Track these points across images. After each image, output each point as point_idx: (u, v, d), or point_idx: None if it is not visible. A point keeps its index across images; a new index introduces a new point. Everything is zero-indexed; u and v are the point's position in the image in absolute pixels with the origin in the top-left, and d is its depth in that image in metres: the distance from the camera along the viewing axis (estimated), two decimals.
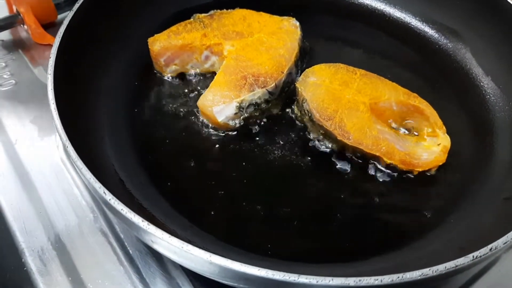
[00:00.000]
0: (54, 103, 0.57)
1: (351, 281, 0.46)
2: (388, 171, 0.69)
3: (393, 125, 0.73)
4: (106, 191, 0.51)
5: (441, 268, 0.48)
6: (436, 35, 0.87)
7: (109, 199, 0.50)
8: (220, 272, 0.49)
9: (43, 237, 0.68)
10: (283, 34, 0.79)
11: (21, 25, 0.92)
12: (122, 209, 0.50)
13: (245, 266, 0.46)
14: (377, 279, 0.46)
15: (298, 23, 0.81)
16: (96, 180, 0.51)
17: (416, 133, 0.73)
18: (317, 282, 0.46)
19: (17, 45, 0.93)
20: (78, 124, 0.63)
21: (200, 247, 0.48)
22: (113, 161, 0.66)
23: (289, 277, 0.46)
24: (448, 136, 0.70)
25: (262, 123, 0.74)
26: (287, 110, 0.76)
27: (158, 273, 0.65)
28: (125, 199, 0.58)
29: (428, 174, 0.69)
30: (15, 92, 0.85)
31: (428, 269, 0.47)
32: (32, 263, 0.66)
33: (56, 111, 0.57)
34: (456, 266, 0.48)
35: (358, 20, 0.90)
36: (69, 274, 0.65)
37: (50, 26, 0.93)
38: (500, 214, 0.63)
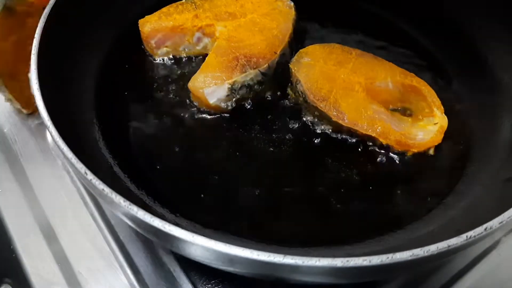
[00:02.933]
0: (37, 83, 0.56)
1: (338, 261, 0.44)
2: (383, 151, 0.67)
3: (390, 105, 0.71)
4: (88, 171, 0.49)
5: (432, 248, 0.46)
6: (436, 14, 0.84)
7: (90, 180, 0.49)
8: (204, 254, 0.47)
9: (32, 222, 0.67)
10: (277, 15, 0.77)
11: None
12: (103, 189, 0.48)
13: (229, 247, 0.44)
14: (366, 260, 0.44)
15: (292, 4, 0.79)
16: (78, 160, 0.50)
17: (411, 114, 0.70)
18: (303, 262, 0.44)
19: None
20: (63, 106, 0.61)
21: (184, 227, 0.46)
22: (101, 145, 0.65)
23: (274, 258, 0.44)
24: (445, 116, 0.68)
25: (255, 105, 0.72)
26: (281, 92, 0.74)
27: (149, 258, 0.65)
28: (111, 181, 0.57)
29: (424, 155, 0.67)
30: None
31: (419, 249, 0.45)
32: (20, 248, 0.65)
33: (39, 91, 0.55)
34: (449, 246, 0.46)
35: (355, 1, 0.88)
36: (58, 260, 0.65)
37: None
38: (500, 196, 0.61)
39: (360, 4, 0.87)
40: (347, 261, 0.44)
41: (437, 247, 0.46)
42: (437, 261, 0.52)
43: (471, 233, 0.47)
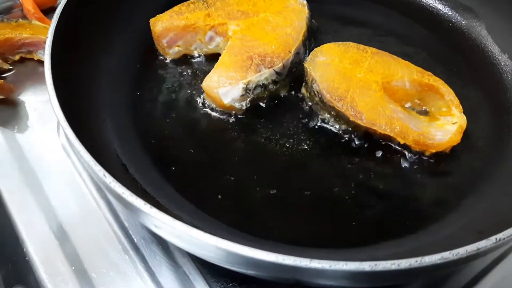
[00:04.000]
0: (52, 84, 0.55)
1: (366, 265, 0.43)
2: (401, 151, 0.66)
3: (406, 104, 0.70)
4: (106, 174, 0.48)
5: (462, 251, 0.45)
6: (450, 12, 0.84)
7: (109, 182, 0.48)
8: (227, 258, 0.46)
9: (45, 226, 0.66)
10: (290, 12, 0.76)
11: (20, 10, 0.89)
12: (123, 193, 0.47)
13: (254, 251, 0.43)
14: (394, 263, 0.44)
15: (305, 1, 0.77)
16: (96, 163, 0.49)
17: (428, 113, 0.69)
18: (330, 266, 0.43)
19: None
20: (77, 106, 0.60)
21: (206, 232, 0.45)
22: (115, 145, 0.63)
23: (301, 262, 0.43)
24: (464, 116, 0.67)
25: (270, 105, 0.71)
26: (295, 91, 0.73)
27: (164, 261, 0.63)
28: (128, 183, 0.55)
29: (443, 155, 0.66)
30: (13, 78, 0.82)
31: (448, 252, 0.44)
32: (34, 253, 0.64)
33: (54, 92, 0.54)
34: (478, 249, 0.45)
35: None
36: (72, 263, 0.63)
37: (49, 11, 0.91)
38: None
39: (373, 2, 0.86)
40: (375, 264, 0.43)
41: (466, 250, 0.45)
42: (463, 264, 0.51)
43: (500, 236, 0.46)
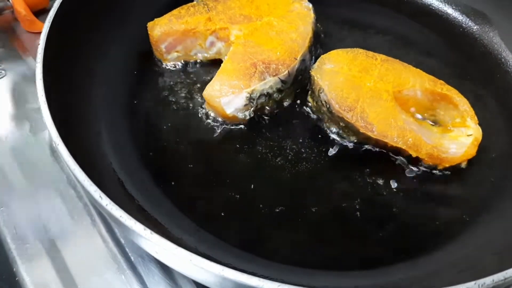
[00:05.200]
0: (43, 95, 0.51)
1: None
2: (412, 165, 0.63)
3: (418, 115, 0.66)
4: (103, 195, 0.45)
5: (488, 281, 0.42)
6: (461, 17, 0.80)
7: (106, 204, 0.44)
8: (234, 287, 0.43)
9: (36, 243, 0.62)
10: (294, 17, 0.72)
11: (11, 12, 0.85)
12: (121, 216, 0.43)
13: (263, 281, 0.40)
14: None
15: (311, 5, 0.74)
16: (92, 183, 0.45)
17: (440, 124, 0.66)
18: None
19: (6, 34, 0.86)
20: (71, 118, 0.57)
21: (210, 257, 0.42)
22: (111, 159, 0.60)
23: None
24: (479, 127, 0.63)
25: (274, 114, 0.68)
26: (301, 100, 0.69)
27: (163, 282, 0.60)
28: (125, 202, 0.52)
29: (456, 169, 0.63)
30: (4, 84, 0.79)
31: (473, 282, 0.41)
32: (24, 272, 0.61)
33: (46, 104, 0.50)
34: (505, 278, 0.42)
35: (376, 1, 0.83)
36: (65, 284, 0.60)
37: (41, 13, 0.87)
38: None
39: (381, 6, 0.82)
40: None
41: (493, 280, 0.42)
42: None
43: None
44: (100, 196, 0.45)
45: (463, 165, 0.63)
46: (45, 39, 0.57)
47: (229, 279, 0.41)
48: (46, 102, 0.51)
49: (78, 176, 0.46)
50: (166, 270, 0.60)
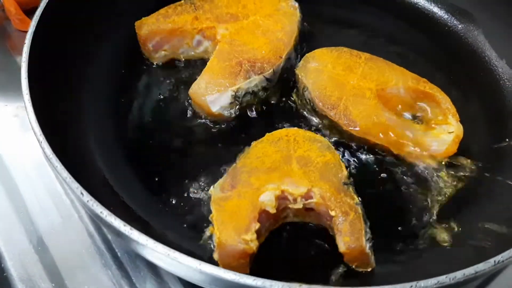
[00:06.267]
0: (28, 93, 0.52)
1: None
2: (394, 162, 0.63)
3: (400, 113, 0.67)
4: (84, 192, 0.45)
5: (459, 275, 0.43)
6: (446, 16, 0.81)
7: (87, 201, 0.45)
8: (213, 282, 0.44)
9: (24, 239, 0.63)
10: (281, 16, 0.73)
11: (1, 10, 0.86)
12: (101, 212, 0.44)
13: (239, 276, 0.41)
14: None
15: (297, 4, 0.75)
16: (73, 180, 0.46)
17: (422, 122, 0.67)
18: None
19: None
20: (56, 116, 0.57)
21: (192, 253, 0.43)
22: (96, 156, 0.61)
23: (290, 287, 0.41)
24: (461, 125, 0.64)
25: (259, 112, 0.69)
26: (286, 98, 0.70)
27: (149, 277, 0.61)
28: (109, 199, 0.53)
29: (438, 166, 0.64)
30: None
31: (444, 276, 0.42)
32: (12, 268, 0.61)
33: (30, 102, 0.51)
34: (476, 272, 0.43)
35: (362, 1, 0.84)
36: (52, 279, 0.61)
37: (32, 12, 0.86)
38: None
39: (367, 5, 0.83)
40: None
41: (464, 274, 0.43)
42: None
43: (499, 258, 0.44)
44: (81, 193, 0.45)
45: (444, 162, 0.64)
46: (31, 38, 0.58)
47: (206, 273, 0.42)
48: (30, 100, 0.51)
49: (61, 172, 0.46)
50: (152, 266, 0.61)
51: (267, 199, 0.53)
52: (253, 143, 0.60)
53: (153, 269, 0.61)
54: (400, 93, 0.66)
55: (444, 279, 0.42)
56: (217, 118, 0.67)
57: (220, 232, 0.51)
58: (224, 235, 0.50)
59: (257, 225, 0.51)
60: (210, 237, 0.55)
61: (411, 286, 0.41)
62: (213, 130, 0.67)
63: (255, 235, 0.50)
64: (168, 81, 0.72)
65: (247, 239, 0.50)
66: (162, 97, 0.70)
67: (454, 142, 0.63)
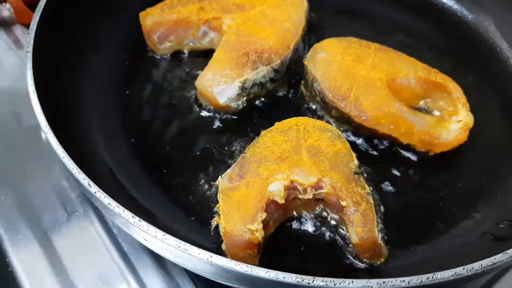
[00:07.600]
0: (33, 84, 0.51)
1: (374, 283, 0.40)
2: (404, 152, 0.62)
3: (411, 103, 0.66)
4: (91, 183, 0.44)
5: (476, 266, 0.41)
6: (456, 6, 0.80)
7: (95, 192, 0.44)
8: (224, 274, 0.43)
9: (29, 234, 0.62)
10: (288, 6, 0.72)
11: (3, 3, 0.85)
12: (109, 203, 0.43)
13: (251, 268, 0.40)
14: (404, 281, 0.40)
15: None
16: (80, 171, 0.45)
17: (436, 112, 0.66)
18: (335, 285, 0.39)
19: None
20: (61, 108, 0.57)
21: (200, 246, 0.42)
22: (102, 149, 0.60)
23: (303, 280, 0.40)
24: (471, 114, 0.63)
25: (267, 104, 0.68)
26: (294, 89, 0.69)
27: (156, 272, 0.60)
28: (115, 191, 0.52)
29: (448, 156, 0.63)
30: None
31: (462, 268, 0.41)
32: (17, 263, 0.60)
33: (35, 93, 0.50)
34: (494, 264, 0.42)
35: None
36: (57, 274, 0.60)
37: (34, 4, 0.86)
38: None
39: None
40: (384, 282, 0.40)
41: (481, 265, 0.42)
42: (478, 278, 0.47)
43: None
44: (89, 184, 0.44)
45: (455, 151, 0.63)
46: (35, 29, 0.57)
47: (217, 265, 0.41)
48: (35, 91, 0.50)
49: (67, 164, 0.46)
50: (159, 261, 0.60)
51: (276, 189, 0.52)
52: (263, 132, 0.59)
53: (160, 263, 0.60)
54: (410, 83, 0.65)
55: (461, 270, 0.41)
56: (224, 109, 0.66)
57: (226, 222, 0.50)
58: (229, 225, 0.49)
59: (264, 215, 0.50)
60: (217, 227, 0.53)
61: (428, 278, 0.40)
62: (220, 122, 0.66)
63: (261, 225, 0.49)
64: (173, 73, 0.71)
65: (252, 229, 0.49)
66: (167, 88, 0.69)
67: (463, 130, 0.62)
